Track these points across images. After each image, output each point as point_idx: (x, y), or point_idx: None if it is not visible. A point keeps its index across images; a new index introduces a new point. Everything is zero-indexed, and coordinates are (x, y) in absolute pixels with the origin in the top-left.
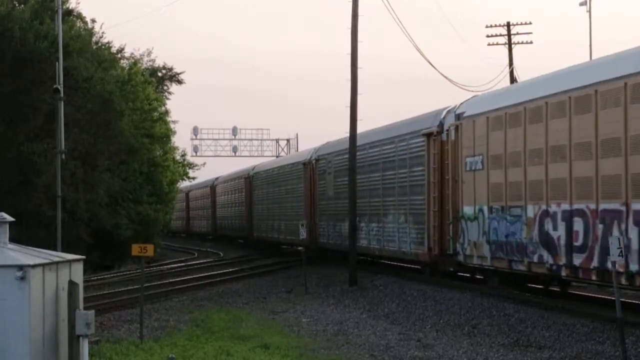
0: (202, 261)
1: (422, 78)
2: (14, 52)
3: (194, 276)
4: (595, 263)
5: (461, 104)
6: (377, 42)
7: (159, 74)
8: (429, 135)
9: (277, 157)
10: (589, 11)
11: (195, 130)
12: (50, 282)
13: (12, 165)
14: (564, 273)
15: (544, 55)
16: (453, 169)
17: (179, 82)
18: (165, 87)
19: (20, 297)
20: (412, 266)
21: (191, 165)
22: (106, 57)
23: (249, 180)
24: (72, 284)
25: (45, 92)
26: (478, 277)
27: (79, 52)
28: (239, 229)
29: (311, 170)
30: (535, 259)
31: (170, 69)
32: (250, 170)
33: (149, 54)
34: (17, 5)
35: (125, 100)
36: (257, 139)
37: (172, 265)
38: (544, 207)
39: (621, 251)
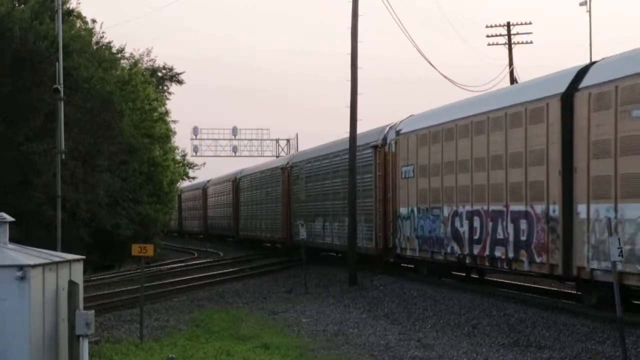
0: (202, 261)
1: (422, 78)
2: (14, 52)
3: (194, 276)
4: (487, 252)
5: (401, 121)
6: (377, 42)
7: (159, 74)
8: (375, 147)
9: (277, 157)
10: (589, 11)
11: (195, 130)
12: (50, 282)
13: (12, 165)
14: (467, 261)
15: (544, 55)
16: (393, 176)
17: (179, 82)
18: (165, 87)
19: (20, 297)
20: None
21: (191, 165)
22: (106, 57)
23: (236, 184)
24: (72, 284)
25: (45, 92)
26: (411, 266)
27: (79, 52)
28: (227, 228)
29: (287, 175)
30: (449, 250)
31: (170, 69)
32: (238, 174)
33: (148, 54)
34: (17, 5)
35: (125, 100)
36: (257, 139)
37: (172, 265)
38: (454, 208)
39: (621, 251)
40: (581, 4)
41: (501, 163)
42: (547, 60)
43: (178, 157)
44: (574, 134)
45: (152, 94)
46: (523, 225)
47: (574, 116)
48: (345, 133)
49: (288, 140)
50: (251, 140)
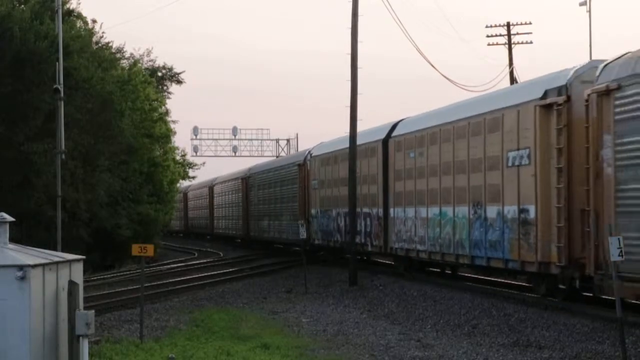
0: (202, 261)
1: (422, 78)
2: (14, 52)
3: (194, 276)
4: (359, 240)
5: (315, 146)
6: (377, 42)
7: (159, 74)
8: (299, 165)
9: (277, 157)
10: (589, 11)
11: (195, 130)
12: (50, 282)
13: (12, 165)
14: (344, 246)
15: (544, 55)
16: (308, 187)
17: (179, 82)
18: (165, 87)
19: (21, 297)
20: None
21: (191, 165)
22: (106, 57)
23: (212, 190)
24: (72, 284)
25: (45, 92)
26: (321, 253)
27: (79, 52)
28: (204, 227)
29: (245, 184)
30: (335, 238)
31: (170, 69)
32: (213, 181)
33: (149, 53)
34: (17, 5)
35: (125, 100)
36: (257, 139)
37: (172, 265)
38: (338, 210)
39: (621, 251)
40: (581, 4)
41: (359, 181)
42: (547, 60)
43: (178, 157)
44: (388, 165)
45: (152, 94)
46: (368, 221)
47: (388, 154)
48: (345, 132)
49: (288, 140)
50: (251, 140)
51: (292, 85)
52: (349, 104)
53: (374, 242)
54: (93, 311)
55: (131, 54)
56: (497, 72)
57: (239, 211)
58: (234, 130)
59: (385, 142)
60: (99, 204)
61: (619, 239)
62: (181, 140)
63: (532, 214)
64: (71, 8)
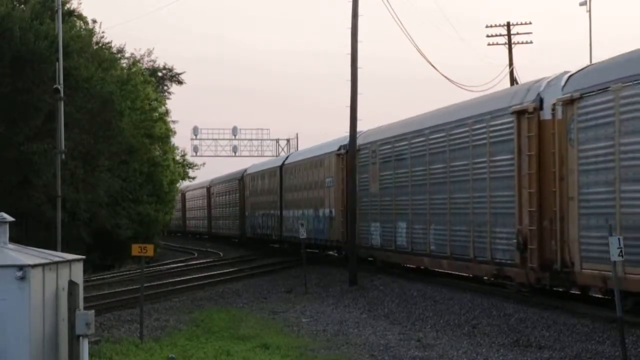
0: (202, 261)
1: (422, 78)
2: (14, 52)
3: (194, 276)
4: (261, 231)
5: (250, 166)
6: (377, 42)
7: (160, 74)
8: (238, 180)
9: (276, 157)
10: (589, 11)
11: (195, 130)
12: (50, 282)
13: (12, 165)
14: (259, 237)
15: (544, 55)
16: (244, 196)
17: (179, 82)
18: (165, 87)
19: (20, 297)
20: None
21: (191, 165)
22: (106, 57)
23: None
24: (72, 284)
25: (45, 92)
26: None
27: (79, 52)
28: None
29: (208, 192)
30: (256, 231)
31: (171, 69)
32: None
33: (149, 54)
34: (17, 5)
35: (125, 100)
36: (257, 139)
37: (172, 265)
38: (261, 212)
39: (621, 251)
40: (581, 4)
41: (263, 192)
42: (547, 60)
43: (178, 157)
44: (282, 183)
45: (152, 94)
46: (274, 219)
47: (283, 176)
48: (345, 132)
49: (288, 140)
50: (251, 140)
51: (292, 85)
52: (349, 104)
53: (276, 233)
54: (93, 311)
55: (132, 54)
56: (497, 72)
57: (204, 213)
58: (234, 130)
59: (281, 167)
60: (99, 204)
61: (619, 239)
62: (181, 140)
63: (334, 214)
64: (71, 8)
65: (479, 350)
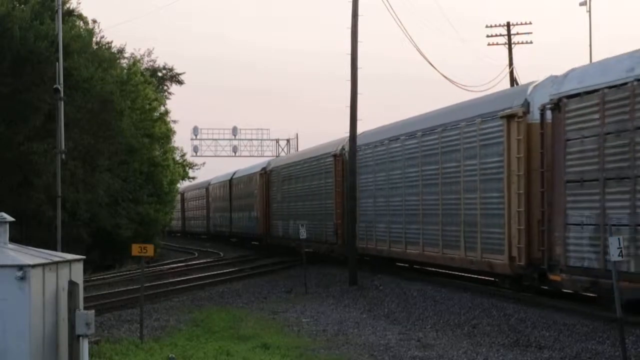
0: (202, 261)
1: (422, 78)
2: (14, 52)
3: (194, 276)
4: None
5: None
6: (377, 42)
7: (160, 74)
8: (205, 188)
9: (277, 157)
10: (589, 11)
11: (195, 130)
12: (50, 282)
13: (12, 165)
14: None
15: (544, 55)
16: (209, 202)
17: (179, 82)
18: (165, 87)
19: (20, 297)
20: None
21: (191, 165)
22: (106, 57)
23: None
24: (72, 284)
25: (45, 92)
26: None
27: (79, 52)
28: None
29: (182, 197)
30: (219, 229)
31: (171, 69)
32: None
33: (149, 54)
34: (17, 5)
35: (124, 100)
36: (257, 139)
37: (172, 265)
38: (219, 214)
39: (621, 251)
40: (581, 4)
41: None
42: (547, 60)
43: (178, 157)
44: (231, 192)
45: (151, 93)
46: (226, 219)
47: (232, 187)
48: (345, 132)
49: (288, 140)
50: (251, 140)
51: (292, 85)
52: (349, 104)
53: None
54: (93, 311)
55: (132, 54)
56: (497, 72)
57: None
58: (234, 130)
59: (230, 181)
60: (99, 204)
61: (619, 239)
62: (181, 140)
63: (256, 214)
64: (71, 8)
65: (479, 350)
